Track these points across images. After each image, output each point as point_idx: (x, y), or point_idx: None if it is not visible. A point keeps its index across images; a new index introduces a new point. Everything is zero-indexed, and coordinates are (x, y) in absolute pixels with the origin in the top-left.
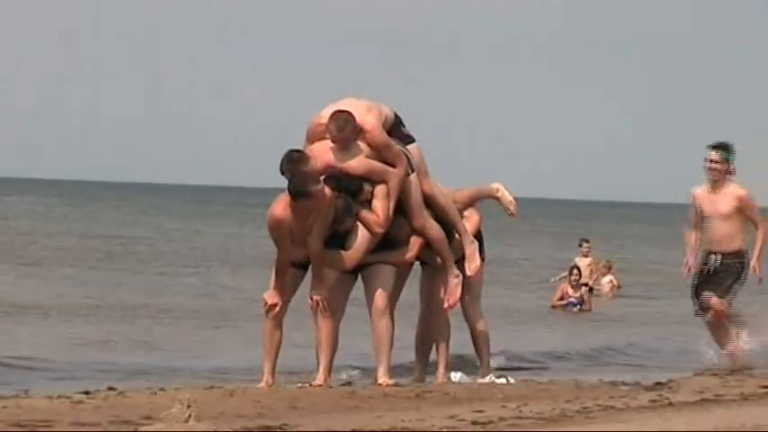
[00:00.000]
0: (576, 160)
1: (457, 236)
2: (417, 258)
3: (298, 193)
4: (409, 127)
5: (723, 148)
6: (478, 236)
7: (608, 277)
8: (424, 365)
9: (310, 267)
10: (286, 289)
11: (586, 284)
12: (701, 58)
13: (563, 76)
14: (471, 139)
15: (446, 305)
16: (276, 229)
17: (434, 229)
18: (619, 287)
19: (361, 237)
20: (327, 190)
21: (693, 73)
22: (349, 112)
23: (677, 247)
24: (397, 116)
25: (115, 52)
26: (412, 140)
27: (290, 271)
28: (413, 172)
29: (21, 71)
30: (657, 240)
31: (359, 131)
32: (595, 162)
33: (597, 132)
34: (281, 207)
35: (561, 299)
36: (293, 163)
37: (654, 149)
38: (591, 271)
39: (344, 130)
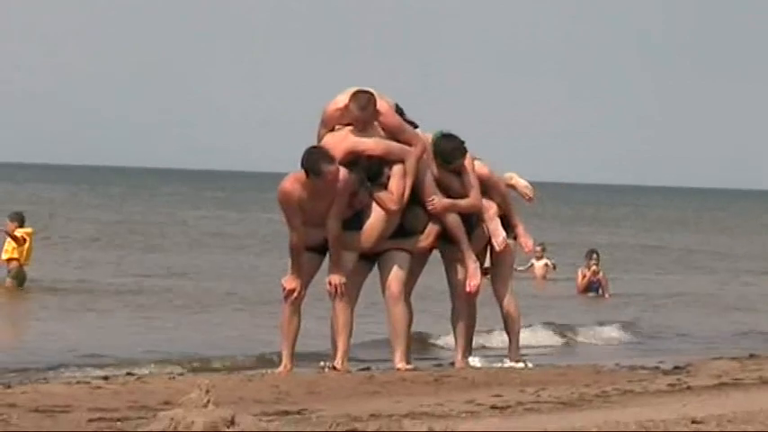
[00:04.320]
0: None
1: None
2: (435, 247)
3: (309, 169)
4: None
5: None
6: (503, 219)
7: (542, 261)
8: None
9: (328, 254)
10: (304, 274)
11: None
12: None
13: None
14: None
15: (468, 289)
16: (284, 202)
17: (451, 215)
18: (554, 268)
19: (377, 216)
20: (344, 171)
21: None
22: (371, 92)
23: None
24: (398, 105)
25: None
26: (416, 127)
27: (307, 256)
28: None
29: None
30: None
31: (377, 113)
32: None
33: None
34: (289, 181)
35: (589, 284)
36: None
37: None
38: None
39: (367, 108)
